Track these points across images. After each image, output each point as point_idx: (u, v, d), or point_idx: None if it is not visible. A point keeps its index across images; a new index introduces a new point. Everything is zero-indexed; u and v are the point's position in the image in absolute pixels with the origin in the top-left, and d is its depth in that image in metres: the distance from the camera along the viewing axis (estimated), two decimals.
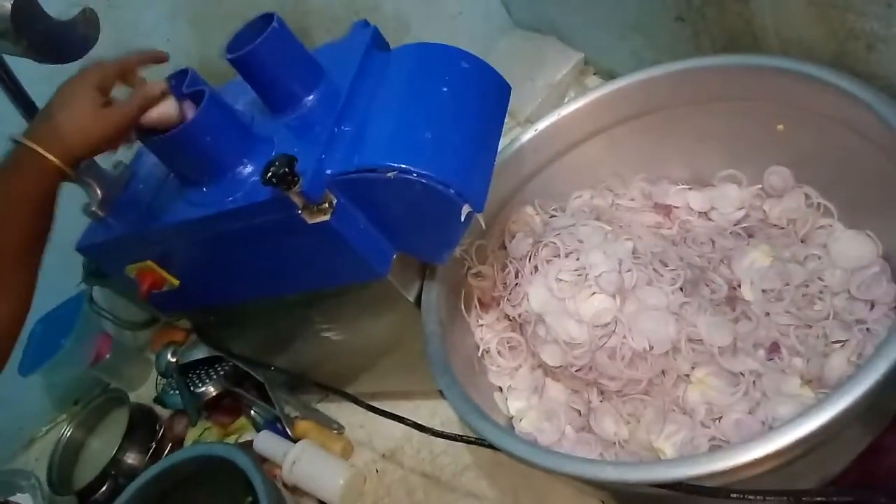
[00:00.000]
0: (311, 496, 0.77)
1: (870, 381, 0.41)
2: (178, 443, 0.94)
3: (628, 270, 0.64)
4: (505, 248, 0.75)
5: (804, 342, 0.58)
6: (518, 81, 0.99)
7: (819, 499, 0.40)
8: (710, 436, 0.55)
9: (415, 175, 0.52)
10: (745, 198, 0.69)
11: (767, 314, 0.60)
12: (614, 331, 0.61)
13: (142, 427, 0.95)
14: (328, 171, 0.54)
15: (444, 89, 0.57)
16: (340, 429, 0.84)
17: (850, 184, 0.61)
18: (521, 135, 0.72)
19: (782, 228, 0.66)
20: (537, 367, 0.67)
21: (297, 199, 0.53)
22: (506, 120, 0.99)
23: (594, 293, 0.63)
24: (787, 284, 0.61)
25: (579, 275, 0.65)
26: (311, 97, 0.60)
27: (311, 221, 0.54)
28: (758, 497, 0.41)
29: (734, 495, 0.41)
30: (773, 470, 0.44)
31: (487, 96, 0.60)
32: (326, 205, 0.54)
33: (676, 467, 0.43)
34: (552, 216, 0.76)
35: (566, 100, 0.81)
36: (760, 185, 0.68)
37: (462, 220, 0.55)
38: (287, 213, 0.54)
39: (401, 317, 0.67)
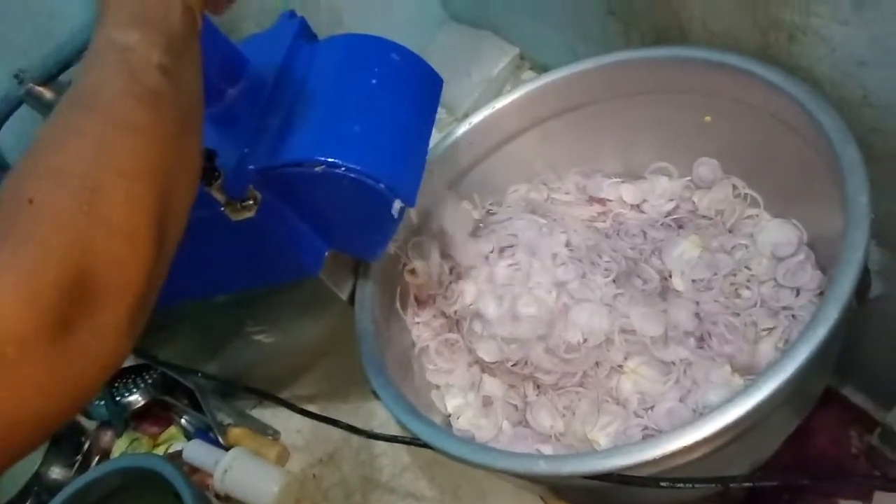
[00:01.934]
0: None
1: (794, 366, 0.42)
2: (106, 455, 0.89)
3: (562, 264, 0.64)
4: None
5: (733, 330, 0.59)
6: (455, 76, 0.99)
7: (746, 484, 0.40)
8: (643, 425, 0.55)
9: (343, 169, 0.51)
10: (676, 190, 0.70)
11: (697, 303, 0.61)
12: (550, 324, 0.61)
13: (66, 440, 0.90)
14: (251, 167, 0.52)
15: (374, 81, 0.56)
16: (276, 434, 0.81)
17: (775, 174, 0.62)
18: (455, 128, 0.71)
19: (711, 219, 0.67)
20: (474, 364, 0.67)
21: (218, 196, 0.50)
22: (443, 115, 1.00)
23: (530, 288, 0.63)
24: (716, 274, 0.62)
25: (515, 270, 0.65)
26: (234, 90, 0.57)
27: (235, 218, 0.52)
28: (687, 485, 0.41)
29: (664, 484, 0.41)
30: (705, 457, 0.44)
31: (419, 89, 0.59)
32: (251, 201, 0.52)
33: (607, 458, 0.43)
34: (489, 210, 0.76)
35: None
36: (690, 177, 0.70)
37: (394, 215, 0.54)
38: (210, 211, 0.52)
39: (335, 317, 0.66)
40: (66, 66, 0.64)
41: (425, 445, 0.51)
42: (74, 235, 0.30)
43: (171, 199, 0.34)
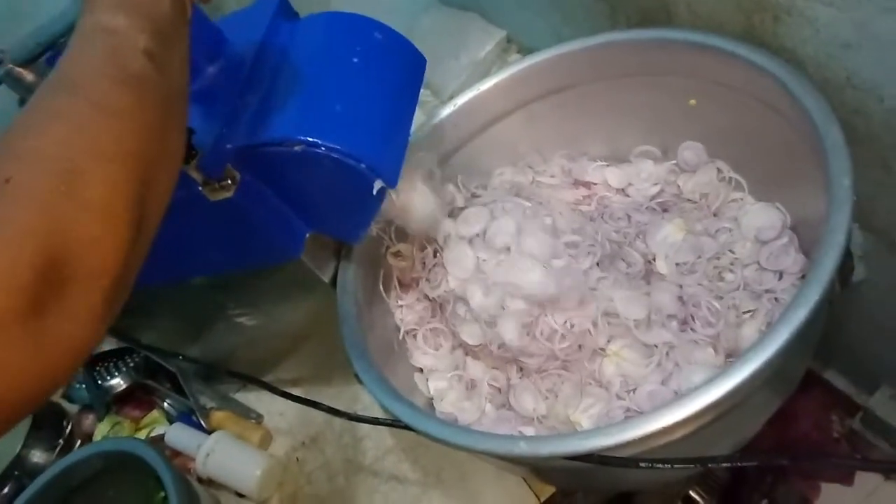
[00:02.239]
0: (228, 489, 0.74)
1: (774, 347, 0.42)
2: (88, 439, 0.89)
3: (548, 248, 0.63)
4: None
5: (716, 313, 0.58)
6: (442, 59, 0.98)
7: (724, 464, 0.40)
8: (625, 407, 0.55)
9: (323, 149, 0.50)
10: (661, 173, 0.70)
11: (681, 286, 0.61)
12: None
13: (48, 423, 0.89)
14: (229, 145, 0.51)
15: (355, 60, 0.55)
16: (259, 418, 0.81)
17: (759, 157, 0.62)
18: (439, 110, 0.71)
19: (695, 203, 0.67)
20: (458, 347, 0.66)
21: (195, 175, 0.50)
22: (429, 98, 0.99)
23: (517, 278, 0.62)
24: (700, 257, 0.62)
25: (501, 255, 0.64)
26: (213, 68, 0.56)
27: (213, 199, 0.52)
28: (666, 465, 0.41)
29: (643, 464, 0.41)
30: (686, 438, 0.44)
31: (401, 69, 0.58)
32: (229, 181, 0.51)
33: (587, 439, 0.43)
34: (474, 194, 0.75)
35: None
36: (675, 161, 0.69)
37: (375, 196, 0.53)
38: (188, 191, 0.51)
39: (317, 300, 0.65)
40: (48, 47, 0.63)
41: (407, 427, 0.51)
42: (51, 216, 0.29)
43: (152, 184, 0.34)
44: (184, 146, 0.40)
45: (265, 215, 0.55)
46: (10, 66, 0.58)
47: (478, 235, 0.67)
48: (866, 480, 0.94)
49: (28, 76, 0.63)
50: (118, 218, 0.32)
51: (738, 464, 0.40)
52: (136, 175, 0.33)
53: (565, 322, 0.59)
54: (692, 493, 0.86)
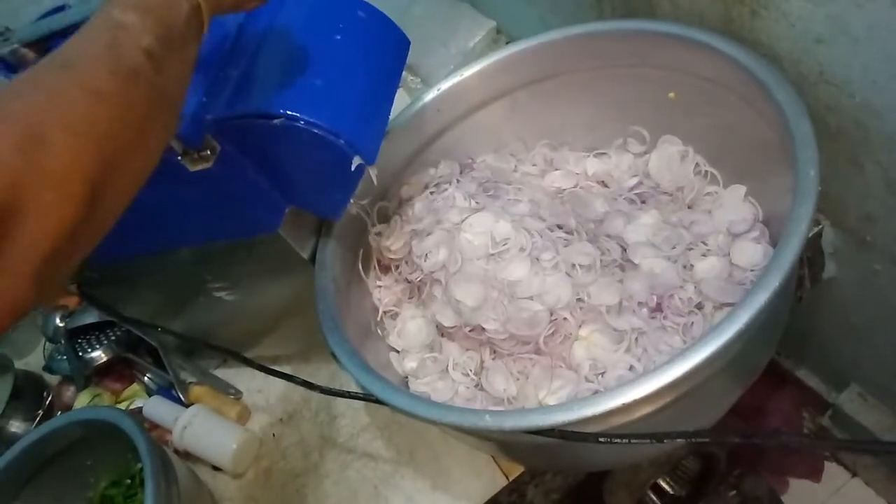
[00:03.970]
0: (204, 462, 0.75)
1: (733, 329, 0.43)
2: (68, 410, 0.89)
3: (530, 236, 0.64)
4: None
5: (686, 302, 0.59)
6: (431, 47, 0.99)
7: (679, 440, 0.41)
8: (593, 390, 0.56)
9: (302, 123, 0.51)
10: (639, 165, 0.71)
11: (653, 276, 0.62)
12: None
13: (28, 394, 0.90)
14: (209, 116, 0.51)
15: (338, 37, 0.56)
16: (238, 394, 0.82)
17: (735, 151, 0.63)
18: (422, 94, 0.71)
19: (671, 195, 0.68)
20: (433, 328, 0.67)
21: (175, 145, 0.50)
22: (419, 86, 0.99)
23: (506, 275, 0.63)
24: (674, 247, 0.63)
25: (484, 246, 0.65)
26: None
27: (192, 169, 0.52)
28: (623, 440, 0.42)
29: (602, 439, 0.42)
30: (647, 418, 0.45)
31: (384, 48, 0.59)
32: (208, 151, 0.52)
33: (549, 414, 0.44)
34: (457, 179, 0.76)
35: None
36: (653, 153, 0.70)
37: (353, 172, 0.54)
38: (167, 160, 0.52)
39: (296, 276, 0.66)
40: (57, 34, 0.63)
41: (377, 401, 0.52)
42: (4, 171, 0.30)
43: (118, 170, 0.35)
44: (163, 147, 0.41)
45: (244, 187, 0.56)
46: (16, 45, 0.59)
47: (459, 221, 0.68)
48: (834, 477, 0.96)
49: (32, 57, 0.64)
50: (71, 192, 0.32)
51: (692, 439, 0.41)
52: (102, 158, 0.34)
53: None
54: (662, 484, 0.88)
